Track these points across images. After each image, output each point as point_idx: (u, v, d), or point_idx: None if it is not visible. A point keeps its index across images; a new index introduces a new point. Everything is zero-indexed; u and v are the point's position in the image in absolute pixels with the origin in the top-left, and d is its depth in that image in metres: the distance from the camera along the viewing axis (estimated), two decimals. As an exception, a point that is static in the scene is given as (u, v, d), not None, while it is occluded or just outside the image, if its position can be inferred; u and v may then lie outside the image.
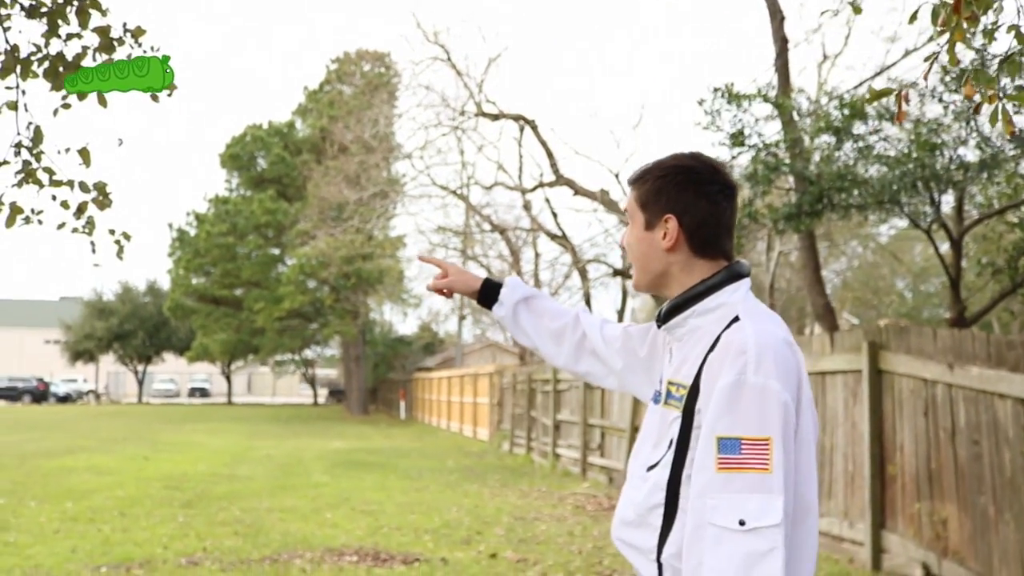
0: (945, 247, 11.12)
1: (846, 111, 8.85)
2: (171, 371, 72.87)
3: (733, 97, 9.60)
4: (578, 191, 17.18)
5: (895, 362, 7.18)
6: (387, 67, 37.04)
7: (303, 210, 31.14)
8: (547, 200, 19.79)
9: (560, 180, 17.31)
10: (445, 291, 2.48)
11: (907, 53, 17.56)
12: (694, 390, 1.86)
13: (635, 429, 13.36)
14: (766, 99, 9.71)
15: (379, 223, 24.46)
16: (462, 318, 40.83)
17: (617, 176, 15.11)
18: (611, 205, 16.76)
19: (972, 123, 8.54)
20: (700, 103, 9.86)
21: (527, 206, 21.27)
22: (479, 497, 12.37)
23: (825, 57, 18.81)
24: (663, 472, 1.89)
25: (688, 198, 2.00)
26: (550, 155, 17.29)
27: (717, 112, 9.85)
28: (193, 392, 72.28)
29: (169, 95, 3.23)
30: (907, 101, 2.67)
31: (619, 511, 2.02)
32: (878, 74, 11.80)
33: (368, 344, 46.90)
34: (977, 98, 2.83)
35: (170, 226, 46.22)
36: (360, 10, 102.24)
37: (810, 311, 26.26)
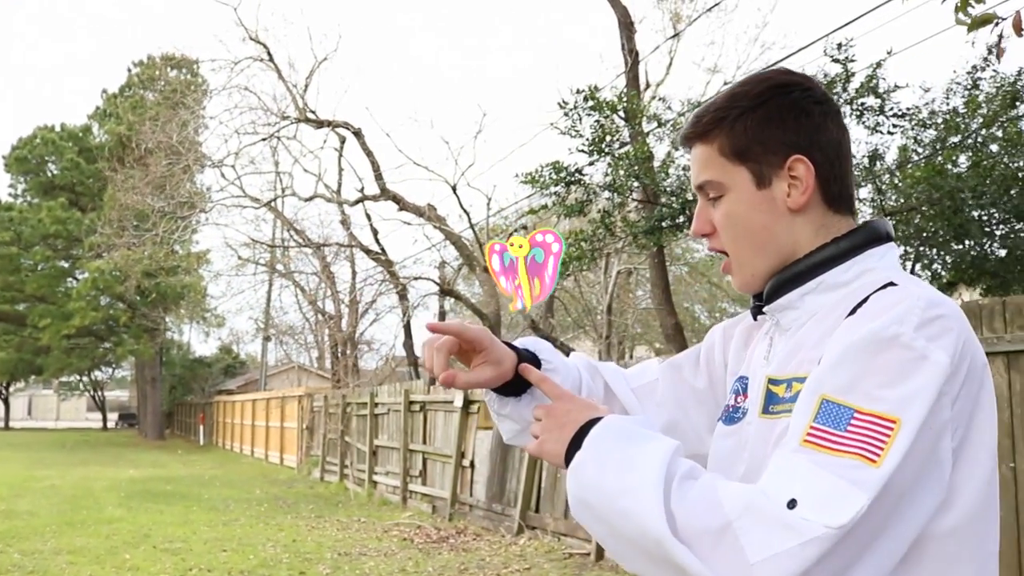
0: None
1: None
2: (-61, 393, 66.84)
3: (597, 104, 9.16)
4: (404, 206, 16.49)
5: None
6: (194, 74, 35.21)
7: (99, 220, 29.04)
8: (367, 215, 18.93)
9: (385, 194, 16.57)
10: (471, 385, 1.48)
11: (727, 84, 17.91)
12: None
13: (461, 455, 12.79)
14: (616, 108, 9.33)
15: (184, 235, 22.92)
16: (267, 339, 39.22)
17: (454, 188, 14.49)
18: (437, 219, 16.17)
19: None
20: (562, 106, 9.39)
21: (344, 221, 20.37)
22: (295, 530, 11.43)
23: (648, 84, 18.87)
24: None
25: (813, 124, 1.35)
26: (375, 167, 16.50)
27: (578, 117, 9.41)
28: (-36, 416, 66.42)
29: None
30: (1019, 31, 2.17)
31: None
32: (695, 106, 11.71)
33: (165, 365, 44.43)
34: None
35: (-58, 232, 42.36)
36: (168, 7, 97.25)
37: (639, 333, 26.52)
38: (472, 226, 14.74)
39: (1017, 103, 9.15)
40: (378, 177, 16.63)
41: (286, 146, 20.10)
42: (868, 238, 1.34)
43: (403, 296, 20.21)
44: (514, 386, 1.52)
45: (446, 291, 17.19)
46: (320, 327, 37.45)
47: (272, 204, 21.69)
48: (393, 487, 15.35)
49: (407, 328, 20.80)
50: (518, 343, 1.56)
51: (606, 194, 9.37)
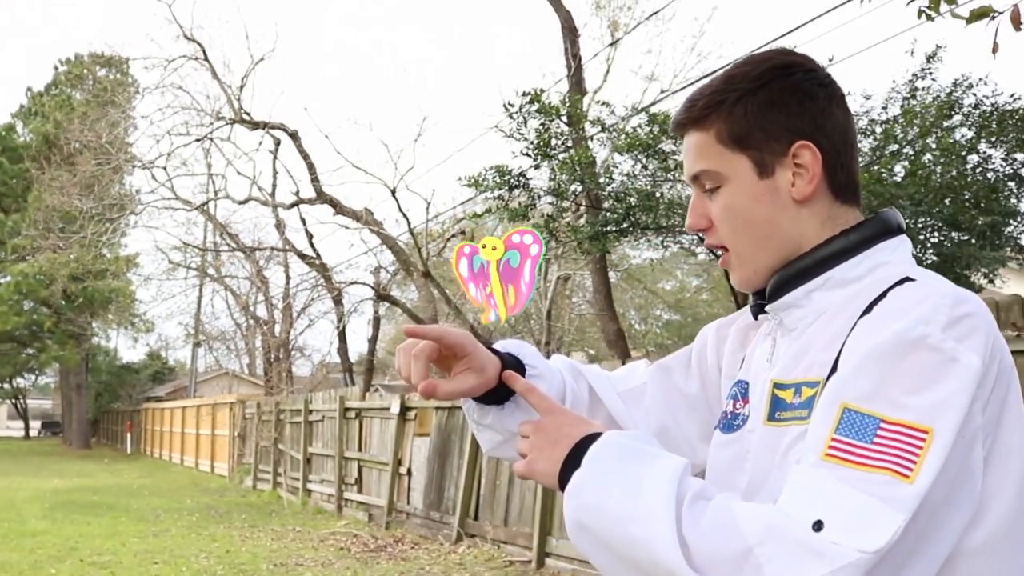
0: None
1: (655, 128, 8.57)
2: None
3: (542, 107, 9.06)
4: (340, 210, 16.23)
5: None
6: (124, 73, 34.44)
7: (23, 221, 28.19)
8: (302, 219, 18.61)
9: (321, 197, 16.31)
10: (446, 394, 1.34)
11: (663, 93, 18.00)
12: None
13: (398, 462, 12.63)
14: (559, 112, 9.25)
15: (112, 238, 22.34)
16: (197, 345, 38.50)
17: (393, 192, 14.26)
18: (374, 224, 15.94)
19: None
20: (507, 108, 9.28)
21: (279, 225, 20.04)
22: (228, 541, 11.15)
23: (585, 91, 18.92)
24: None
25: (817, 108, 1.25)
26: (311, 170, 16.23)
27: (523, 120, 9.31)
28: None
29: None
30: (1017, 25, 2.13)
31: None
32: (639, 111, 11.68)
33: (91, 372, 43.31)
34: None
35: None
36: (97, 3, 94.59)
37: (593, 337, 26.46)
38: (411, 230, 14.56)
39: (952, 114, 9.29)
40: (314, 180, 16.35)
41: (219, 148, 19.68)
42: (879, 230, 1.24)
43: (338, 301, 19.95)
44: (496, 393, 1.38)
45: (382, 296, 16.97)
46: (251, 333, 36.85)
47: (204, 207, 21.25)
48: (328, 495, 15.12)
49: (342, 334, 20.55)
50: (499, 346, 1.43)
51: (550, 198, 9.30)
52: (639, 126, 9.07)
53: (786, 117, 1.23)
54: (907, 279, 1.16)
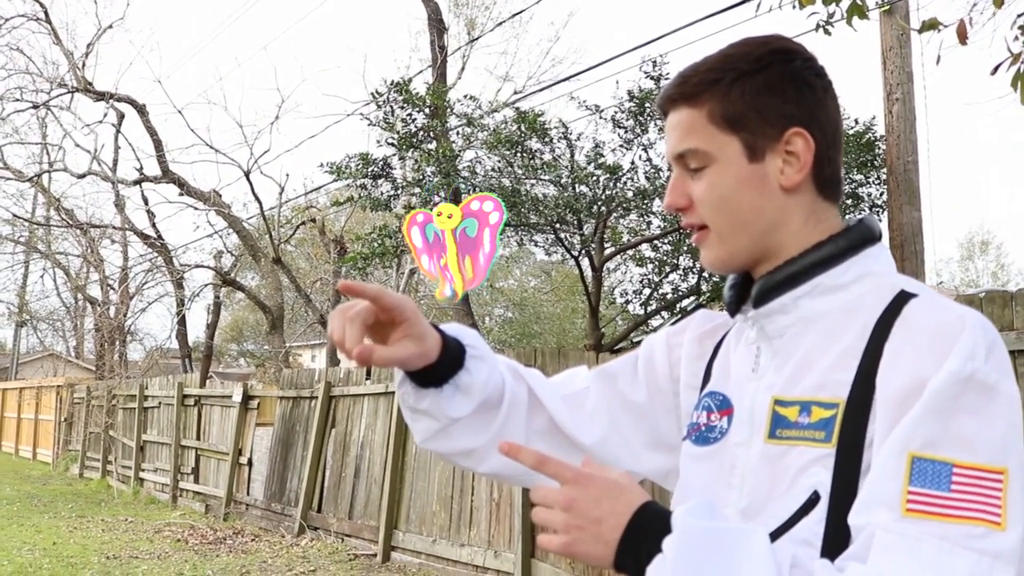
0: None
1: (523, 125, 8.56)
2: None
3: (408, 97, 8.91)
4: (187, 190, 15.64)
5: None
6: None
7: None
8: (144, 198, 17.80)
9: (167, 175, 15.66)
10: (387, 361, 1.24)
11: (517, 93, 18.11)
12: (856, 408, 1.10)
13: (239, 452, 12.32)
14: (425, 102, 9.14)
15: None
16: (21, 324, 36.47)
17: (247, 174, 13.80)
18: (222, 206, 15.44)
19: (647, 151, 8.66)
20: (375, 96, 9.08)
21: (119, 203, 19.12)
22: (55, 532, 10.59)
23: (447, 86, 18.89)
24: (802, 549, 1.09)
25: (815, 98, 1.22)
26: (158, 146, 15.56)
27: (391, 110, 9.13)
28: None
29: None
30: (963, 39, 2.20)
31: None
32: (506, 105, 11.71)
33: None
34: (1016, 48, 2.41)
35: None
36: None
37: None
38: (263, 213, 14.17)
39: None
40: (160, 158, 15.69)
41: (56, 117, 18.62)
42: (864, 236, 1.21)
43: (179, 285, 19.22)
44: (434, 375, 1.29)
45: (228, 281, 16.43)
46: (79, 313, 35.08)
47: (37, 179, 20.10)
48: (162, 485, 14.59)
49: (183, 319, 19.84)
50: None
51: (415, 189, 9.20)
52: (504, 123, 9.08)
53: (783, 103, 1.21)
54: (909, 294, 1.14)
